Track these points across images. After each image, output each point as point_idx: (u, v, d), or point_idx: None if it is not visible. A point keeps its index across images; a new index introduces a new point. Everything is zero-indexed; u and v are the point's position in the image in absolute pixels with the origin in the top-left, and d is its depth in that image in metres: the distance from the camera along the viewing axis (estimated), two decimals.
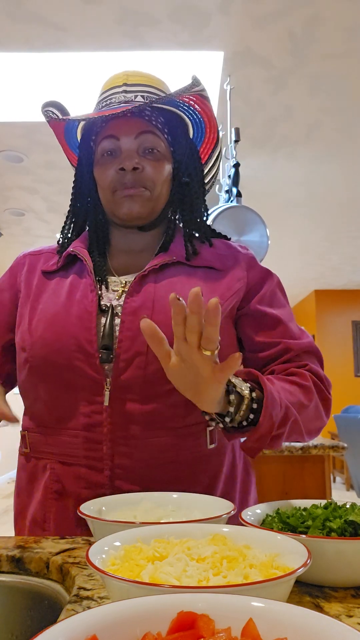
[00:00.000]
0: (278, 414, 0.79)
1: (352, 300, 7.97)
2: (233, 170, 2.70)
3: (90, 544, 0.73)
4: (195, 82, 0.90)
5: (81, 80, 2.87)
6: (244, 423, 0.79)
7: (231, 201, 2.68)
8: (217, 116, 3.10)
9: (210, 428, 0.88)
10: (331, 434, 7.20)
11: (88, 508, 0.70)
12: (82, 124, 0.96)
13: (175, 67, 2.74)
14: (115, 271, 0.96)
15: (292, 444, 2.39)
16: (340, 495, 6.12)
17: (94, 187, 0.97)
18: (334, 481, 7.17)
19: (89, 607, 0.49)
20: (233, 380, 0.78)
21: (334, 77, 2.81)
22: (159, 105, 0.93)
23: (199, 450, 0.89)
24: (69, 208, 1.01)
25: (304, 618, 0.34)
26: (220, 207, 2.61)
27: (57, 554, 0.68)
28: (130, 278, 0.94)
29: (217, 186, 3.05)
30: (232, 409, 0.76)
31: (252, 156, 3.62)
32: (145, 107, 0.90)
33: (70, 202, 1.01)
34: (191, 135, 1.00)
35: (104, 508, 0.72)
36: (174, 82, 2.86)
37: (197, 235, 0.99)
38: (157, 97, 0.89)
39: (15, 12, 2.33)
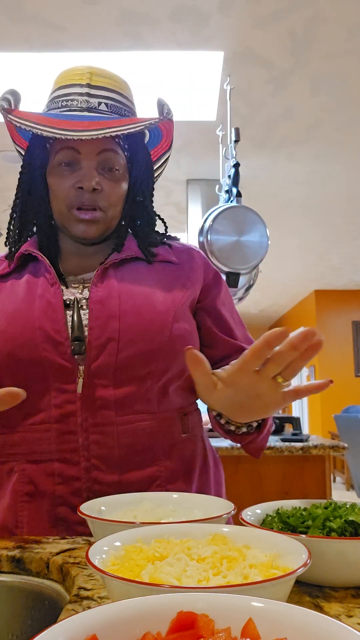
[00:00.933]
0: (271, 423, 0.86)
1: (352, 300, 7.97)
2: (233, 170, 2.70)
3: (90, 544, 0.73)
4: (167, 110, 0.89)
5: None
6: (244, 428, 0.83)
7: (231, 201, 2.68)
8: (218, 116, 3.11)
9: (240, 431, 0.87)
10: (331, 434, 7.20)
11: (88, 508, 0.70)
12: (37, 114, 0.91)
13: (175, 67, 2.74)
14: (70, 272, 0.96)
15: (292, 443, 2.39)
16: (340, 495, 6.12)
17: (45, 192, 0.93)
18: (334, 481, 7.17)
19: (89, 607, 0.49)
20: None
21: (334, 77, 2.81)
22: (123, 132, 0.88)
23: (174, 437, 0.90)
24: (13, 207, 0.98)
25: (304, 618, 0.33)
26: (220, 207, 2.62)
27: (58, 554, 0.68)
28: (88, 276, 0.94)
29: (217, 186, 3.05)
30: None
31: (253, 156, 3.62)
32: (110, 134, 0.84)
33: (16, 201, 0.96)
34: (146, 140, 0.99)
35: (103, 508, 0.72)
36: (174, 82, 2.86)
37: (151, 243, 0.99)
38: (124, 126, 0.84)
39: (15, 12, 2.33)
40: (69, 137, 0.82)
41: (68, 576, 0.62)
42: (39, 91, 2.93)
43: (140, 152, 0.96)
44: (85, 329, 0.86)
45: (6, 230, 1.00)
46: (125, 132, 0.84)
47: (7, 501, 0.87)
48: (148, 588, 0.40)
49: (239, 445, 0.90)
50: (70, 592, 0.60)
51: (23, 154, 0.99)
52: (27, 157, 0.95)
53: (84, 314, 0.88)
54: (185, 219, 3.71)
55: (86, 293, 0.91)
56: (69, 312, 0.88)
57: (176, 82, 2.87)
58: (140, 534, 0.55)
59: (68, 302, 0.89)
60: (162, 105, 0.90)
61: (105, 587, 0.51)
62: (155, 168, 1.02)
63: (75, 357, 0.85)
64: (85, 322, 0.87)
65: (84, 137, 0.82)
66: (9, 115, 0.87)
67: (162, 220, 1.04)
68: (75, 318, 0.87)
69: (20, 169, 0.97)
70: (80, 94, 0.89)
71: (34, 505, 0.85)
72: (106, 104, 0.90)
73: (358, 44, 2.55)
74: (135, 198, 0.97)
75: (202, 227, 2.59)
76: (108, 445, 0.84)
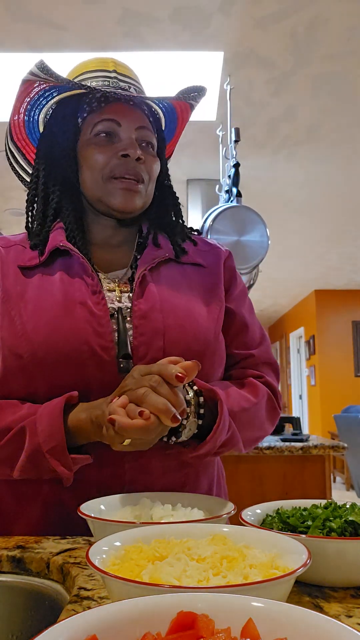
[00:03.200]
0: (222, 439, 0.78)
1: (352, 300, 7.97)
2: (233, 170, 2.71)
3: (90, 544, 0.73)
4: (202, 91, 0.91)
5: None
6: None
7: (231, 201, 2.68)
8: (218, 116, 3.11)
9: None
10: (331, 434, 7.20)
11: (88, 508, 0.70)
12: (58, 96, 0.90)
13: (175, 68, 2.74)
14: (99, 269, 0.90)
15: (292, 443, 2.39)
16: (340, 495, 6.12)
17: (73, 169, 0.89)
18: (334, 481, 7.17)
19: (89, 607, 0.49)
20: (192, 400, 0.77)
21: (335, 78, 2.81)
22: (155, 104, 0.93)
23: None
24: (34, 191, 0.92)
25: (303, 618, 0.34)
26: (220, 207, 2.62)
27: (58, 554, 0.68)
28: (119, 275, 0.90)
29: (217, 186, 3.05)
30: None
31: (253, 156, 3.62)
32: (157, 100, 0.90)
33: (36, 183, 0.91)
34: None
35: (103, 508, 0.72)
36: (174, 83, 2.86)
37: (179, 235, 0.97)
38: (161, 97, 0.89)
39: (16, 12, 2.33)
40: (121, 94, 0.84)
41: (68, 576, 0.62)
42: None
43: (163, 140, 0.96)
44: (130, 346, 0.81)
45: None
46: (172, 100, 0.88)
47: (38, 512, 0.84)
48: (148, 588, 0.40)
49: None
50: (70, 592, 0.60)
51: (15, 154, 0.97)
52: (48, 140, 0.91)
53: (128, 327, 0.83)
54: (185, 219, 3.71)
55: (125, 300, 0.86)
56: (114, 325, 0.82)
57: (176, 82, 2.87)
58: (141, 534, 0.55)
59: (113, 312, 0.83)
60: (202, 90, 0.91)
61: (105, 587, 0.51)
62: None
63: (122, 374, 0.79)
64: (129, 338, 0.82)
65: (135, 97, 0.85)
66: (46, 76, 0.84)
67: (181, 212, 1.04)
68: (122, 333, 0.81)
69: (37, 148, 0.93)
70: (109, 77, 0.90)
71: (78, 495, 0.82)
72: (135, 89, 0.92)
73: (359, 45, 2.55)
74: (164, 182, 0.97)
75: (202, 227, 2.59)
76: (148, 467, 0.82)
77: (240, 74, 2.78)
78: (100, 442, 0.75)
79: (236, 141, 2.71)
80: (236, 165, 2.70)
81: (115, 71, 0.90)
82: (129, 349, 0.80)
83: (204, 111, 3.07)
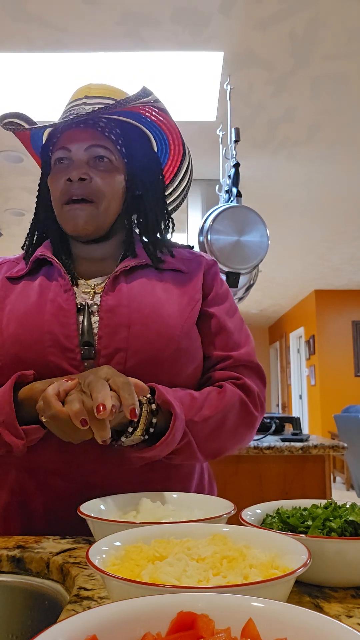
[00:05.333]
0: (170, 449, 0.80)
1: (352, 300, 7.97)
2: (233, 170, 2.70)
3: (90, 544, 0.73)
4: (143, 92, 0.89)
5: (81, 81, 2.87)
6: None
7: (231, 201, 2.68)
8: (218, 116, 3.11)
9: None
10: (331, 434, 7.19)
11: (88, 508, 0.70)
12: (46, 133, 0.97)
13: (175, 68, 2.74)
14: (82, 276, 0.96)
15: (292, 443, 2.39)
16: (340, 495, 6.12)
17: (50, 198, 0.96)
18: (334, 481, 7.17)
19: (89, 607, 0.49)
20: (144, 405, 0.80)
21: (334, 79, 2.81)
22: (113, 117, 0.93)
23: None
24: (33, 216, 1.02)
25: (304, 618, 0.34)
26: (220, 207, 2.62)
27: (58, 554, 0.68)
28: (98, 281, 0.95)
29: (217, 186, 3.05)
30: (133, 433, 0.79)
31: (253, 157, 3.62)
32: (91, 117, 0.90)
33: (34, 211, 1.01)
34: (155, 149, 1.01)
35: (103, 508, 0.72)
36: (174, 83, 2.86)
37: (157, 247, 0.98)
38: (104, 107, 0.88)
39: (16, 12, 2.33)
40: (49, 125, 0.88)
41: (68, 576, 0.62)
42: (40, 91, 2.93)
43: (138, 149, 0.96)
44: (95, 337, 0.86)
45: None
46: (102, 113, 0.87)
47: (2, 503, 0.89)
48: (148, 588, 0.40)
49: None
50: (70, 592, 0.60)
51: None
52: (42, 173, 0.98)
53: (94, 321, 0.88)
54: (185, 219, 3.70)
55: (97, 299, 0.91)
56: (80, 317, 0.88)
57: (176, 83, 2.87)
58: (140, 534, 0.55)
59: (79, 307, 0.89)
60: (143, 91, 0.89)
61: (105, 587, 0.51)
62: (180, 180, 1.04)
63: (85, 364, 0.85)
64: (95, 329, 0.87)
65: (68, 121, 0.87)
66: (11, 129, 0.93)
67: (171, 220, 1.03)
68: (86, 323, 0.87)
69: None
70: (76, 106, 0.93)
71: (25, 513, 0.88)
72: (100, 107, 0.91)
73: (358, 45, 2.55)
74: (134, 192, 0.97)
75: (202, 227, 2.59)
76: (105, 462, 0.84)
77: (240, 75, 2.78)
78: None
79: (236, 141, 2.71)
80: (236, 166, 2.70)
81: (85, 97, 0.94)
82: (92, 339, 0.86)
83: (204, 111, 3.07)
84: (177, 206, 1.07)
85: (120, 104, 0.87)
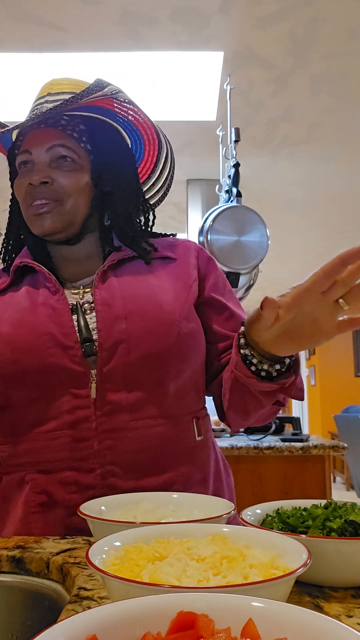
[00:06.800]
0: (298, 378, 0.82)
1: None
2: (233, 170, 2.70)
3: (90, 544, 0.73)
4: (97, 85, 0.85)
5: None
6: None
7: (231, 201, 2.68)
8: (218, 116, 3.11)
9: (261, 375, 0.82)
10: (331, 434, 7.20)
11: (88, 508, 0.70)
12: (15, 133, 0.94)
13: (175, 68, 2.74)
14: (66, 280, 0.95)
15: (292, 443, 2.39)
16: (340, 495, 6.13)
17: (17, 202, 0.96)
18: (334, 481, 7.17)
19: (89, 607, 0.49)
20: None
21: (334, 78, 2.81)
22: (76, 113, 0.90)
23: (189, 442, 0.89)
24: (7, 223, 1.00)
25: (304, 618, 0.33)
26: (220, 207, 2.62)
27: (58, 554, 0.68)
28: (85, 281, 0.94)
29: (217, 186, 3.05)
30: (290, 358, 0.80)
31: (253, 156, 3.62)
32: (51, 116, 0.88)
33: (8, 218, 0.99)
34: (129, 143, 0.99)
35: (103, 508, 0.72)
36: (174, 83, 2.86)
37: (135, 240, 0.97)
38: (60, 104, 0.86)
39: (15, 12, 2.33)
40: (7, 130, 0.86)
41: (68, 576, 0.62)
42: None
43: (105, 144, 0.93)
44: (94, 332, 0.85)
45: (5, 231, 1.00)
46: (60, 110, 0.85)
47: (19, 513, 0.85)
48: (148, 588, 0.40)
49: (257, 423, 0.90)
50: (70, 592, 0.60)
51: None
52: (10, 177, 0.96)
53: (89, 318, 0.87)
54: (185, 219, 3.71)
55: (87, 297, 0.90)
56: (74, 317, 0.87)
57: (176, 82, 2.87)
58: (140, 534, 0.55)
59: (71, 307, 0.88)
60: (96, 84, 0.86)
61: (105, 587, 0.51)
62: (159, 174, 1.02)
63: (87, 360, 0.84)
64: (92, 325, 0.86)
65: (26, 123, 0.85)
66: None
67: (151, 213, 1.01)
68: (82, 321, 0.86)
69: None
70: (40, 104, 0.91)
71: (48, 516, 0.83)
72: (63, 102, 0.89)
73: (358, 44, 2.55)
74: (102, 189, 0.94)
75: (202, 227, 2.59)
76: (123, 451, 0.83)
77: (240, 74, 2.78)
78: (75, 419, 0.83)
79: (236, 141, 2.71)
80: (236, 165, 2.70)
81: (48, 94, 0.92)
82: (90, 334, 0.84)
83: (204, 111, 3.07)
84: (161, 199, 1.05)
85: (72, 100, 0.85)
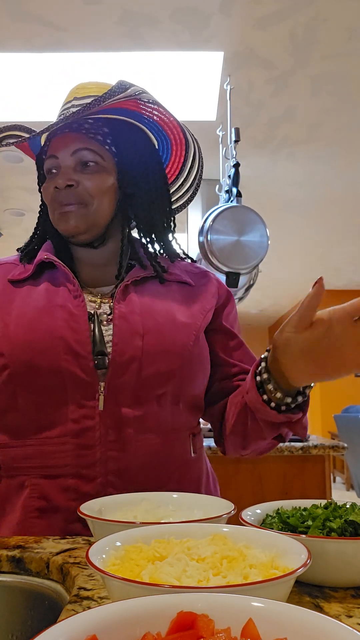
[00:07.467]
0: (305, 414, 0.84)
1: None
2: (233, 170, 2.70)
3: (90, 544, 0.73)
4: (119, 87, 0.85)
5: (81, 81, 2.86)
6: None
7: (231, 201, 2.68)
8: (218, 116, 3.10)
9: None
10: (331, 434, 7.19)
11: (88, 508, 0.70)
12: (44, 136, 0.95)
13: (175, 68, 2.74)
14: (85, 284, 0.96)
15: (292, 443, 2.39)
16: (340, 495, 6.12)
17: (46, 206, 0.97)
18: (334, 481, 7.17)
19: (89, 607, 0.49)
20: None
21: (334, 78, 2.81)
22: (99, 116, 0.91)
23: (184, 457, 0.91)
24: (38, 218, 1.01)
25: (304, 618, 0.33)
26: (220, 207, 2.61)
27: (58, 554, 0.68)
28: (104, 290, 0.95)
29: (217, 186, 3.05)
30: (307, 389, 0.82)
31: (253, 156, 3.62)
32: (75, 120, 0.89)
33: (38, 213, 1.01)
34: (155, 144, 0.99)
35: (103, 508, 0.72)
36: (174, 83, 2.86)
37: (159, 251, 0.99)
38: (81, 108, 0.85)
39: (15, 12, 2.33)
40: (27, 136, 0.88)
41: (68, 576, 0.62)
42: (39, 91, 2.93)
43: (130, 147, 0.94)
44: (108, 345, 0.85)
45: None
46: (73, 117, 0.86)
47: (17, 517, 0.85)
48: (148, 588, 0.40)
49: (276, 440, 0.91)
50: (70, 592, 0.60)
51: None
52: (38, 181, 0.98)
53: (105, 330, 0.87)
54: (185, 219, 3.70)
55: (105, 308, 0.91)
56: (91, 325, 0.86)
57: (176, 82, 2.87)
58: (140, 534, 0.55)
59: (89, 315, 0.88)
60: (118, 86, 0.85)
61: (105, 587, 0.51)
62: (186, 176, 1.02)
63: (97, 372, 0.84)
64: (106, 338, 0.86)
65: (50, 128, 0.86)
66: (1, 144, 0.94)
67: (173, 220, 1.02)
68: (97, 332, 0.85)
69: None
70: (67, 108, 0.93)
71: (46, 522, 0.83)
72: (85, 106, 0.89)
73: (358, 44, 2.55)
74: (126, 191, 0.94)
75: (202, 227, 2.59)
76: (124, 463, 0.84)
77: (240, 74, 2.78)
78: (82, 427, 0.83)
79: (236, 141, 2.71)
80: (236, 165, 2.70)
81: (75, 98, 0.93)
82: (105, 347, 0.85)
83: (204, 111, 3.07)
84: (189, 200, 1.06)
85: (94, 104, 0.85)
